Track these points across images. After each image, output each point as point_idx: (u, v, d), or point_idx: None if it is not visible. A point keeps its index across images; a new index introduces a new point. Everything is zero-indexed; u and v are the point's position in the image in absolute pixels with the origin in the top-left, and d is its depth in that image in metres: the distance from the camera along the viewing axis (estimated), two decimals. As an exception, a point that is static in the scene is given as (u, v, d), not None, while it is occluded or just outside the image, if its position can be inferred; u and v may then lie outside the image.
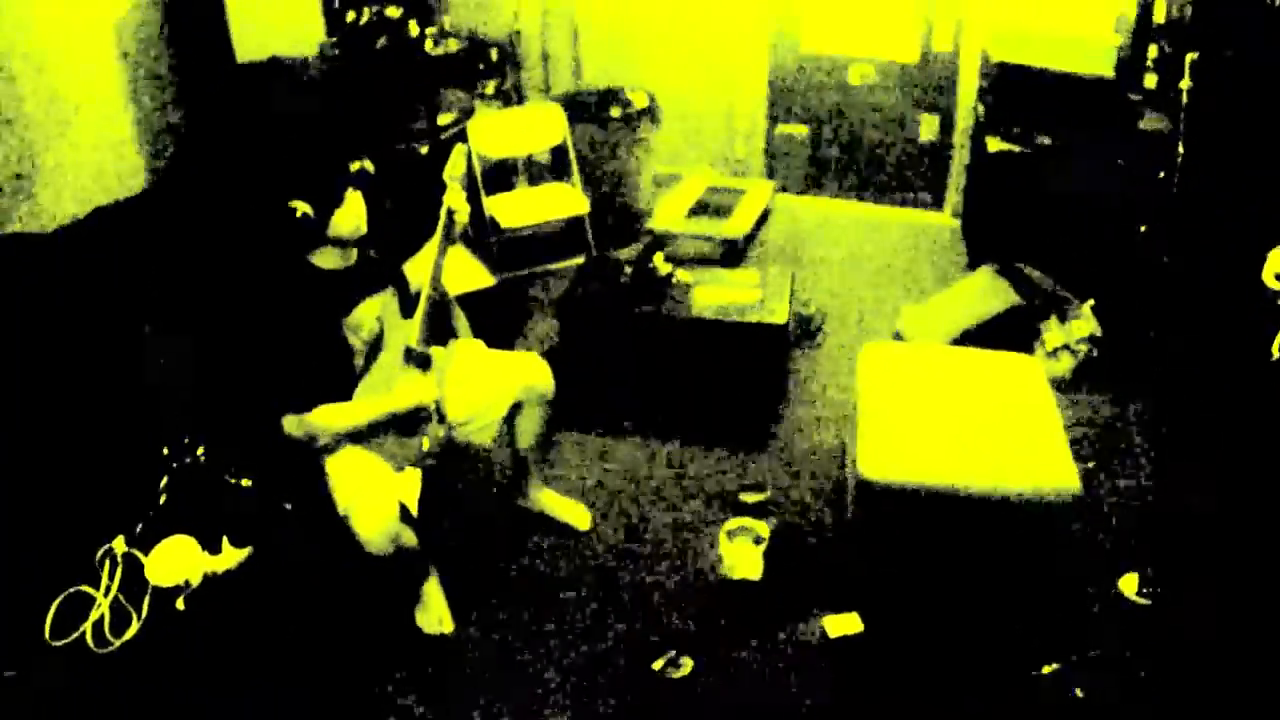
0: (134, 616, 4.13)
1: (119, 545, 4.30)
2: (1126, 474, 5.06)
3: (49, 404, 4.47)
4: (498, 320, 5.76)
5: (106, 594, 4.16)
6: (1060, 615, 4.19)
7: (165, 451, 4.67)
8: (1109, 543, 4.61)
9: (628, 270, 5.69)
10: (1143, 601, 4.25)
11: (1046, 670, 3.91)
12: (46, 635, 4.03)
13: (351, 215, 3.89)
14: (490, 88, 7.91)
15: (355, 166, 3.91)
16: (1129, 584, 4.31)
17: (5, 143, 5.02)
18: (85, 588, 4.17)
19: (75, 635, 4.04)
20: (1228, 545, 4.44)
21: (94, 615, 4.09)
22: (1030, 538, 4.06)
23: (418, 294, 4.06)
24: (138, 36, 5.82)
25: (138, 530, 4.38)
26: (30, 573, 4.18)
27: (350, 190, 3.89)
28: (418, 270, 4.19)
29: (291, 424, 3.82)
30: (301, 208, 3.75)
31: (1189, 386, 5.44)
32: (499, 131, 7.07)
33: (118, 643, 4.04)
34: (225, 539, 4.35)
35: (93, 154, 5.54)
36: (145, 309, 4.85)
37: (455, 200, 4.11)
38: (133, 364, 4.77)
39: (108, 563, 4.26)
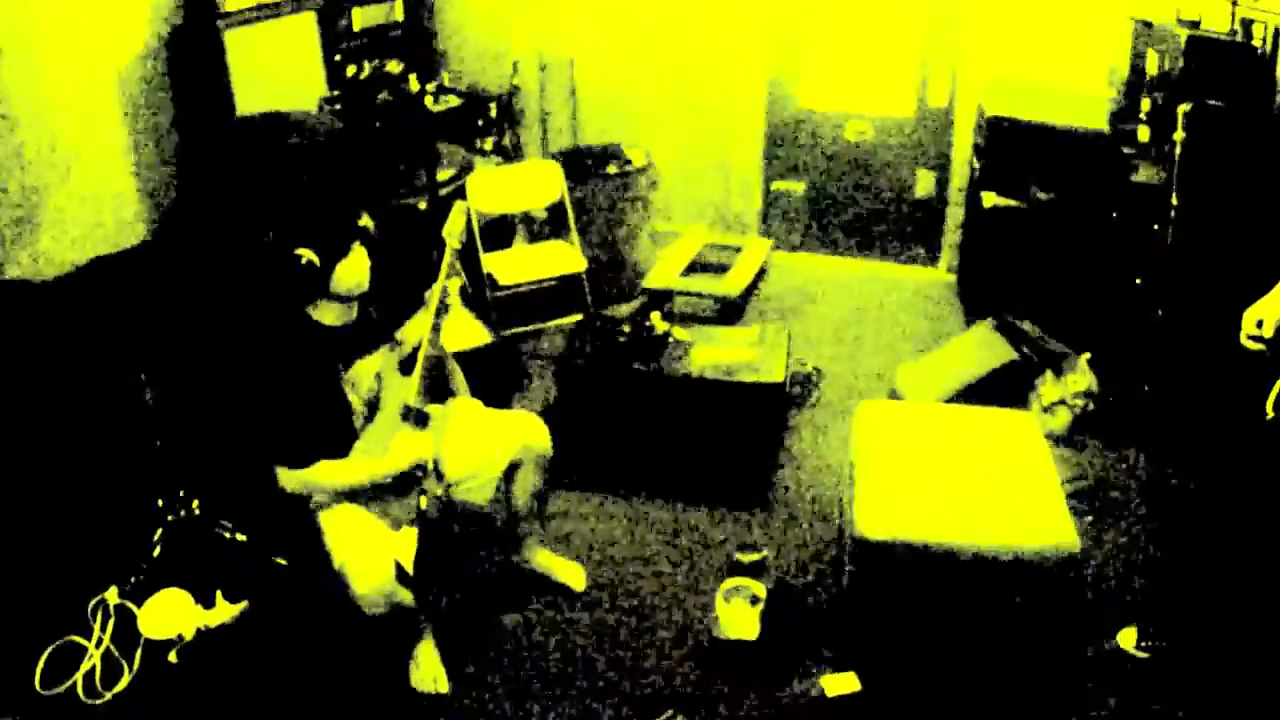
0: (125, 668, 4.11)
1: (112, 597, 4.29)
2: (1124, 528, 5.04)
3: (44, 453, 4.47)
4: (495, 378, 5.75)
5: (98, 645, 4.15)
6: (1059, 671, 4.17)
7: (160, 504, 4.66)
8: (1107, 597, 4.60)
9: (625, 329, 5.70)
10: (1142, 655, 4.23)
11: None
12: (37, 685, 4.01)
13: (355, 270, 3.91)
14: (489, 144, 7.96)
15: (360, 223, 3.93)
16: (1128, 638, 4.29)
17: (6, 188, 5.04)
18: (77, 638, 4.16)
19: (66, 686, 4.02)
20: (1227, 598, 4.42)
21: (85, 666, 4.07)
22: (1028, 595, 4.05)
23: (416, 351, 4.06)
24: (139, 88, 5.87)
25: (131, 582, 4.37)
26: (23, 622, 4.17)
27: (355, 245, 3.90)
28: (413, 333, 4.19)
29: (288, 479, 3.82)
30: (307, 255, 3.76)
31: (1186, 440, 5.45)
32: (497, 188, 7.08)
33: (109, 694, 4.01)
34: (219, 593, 4.33)
35: (93, 203, 5.57)
36: (142, 360, 4.85)
37: (450, 286, 4.12)
38: (129, 415, 4.76)
39: (100, 614, 4.24)
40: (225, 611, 4.31)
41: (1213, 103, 5.12)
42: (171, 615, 4.25)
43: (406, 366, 4.06)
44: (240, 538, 4.59)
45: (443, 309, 4.11)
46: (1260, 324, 3.71)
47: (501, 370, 6.33)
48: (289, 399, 3.80)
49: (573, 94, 8.24)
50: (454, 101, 7.75)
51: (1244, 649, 4.15)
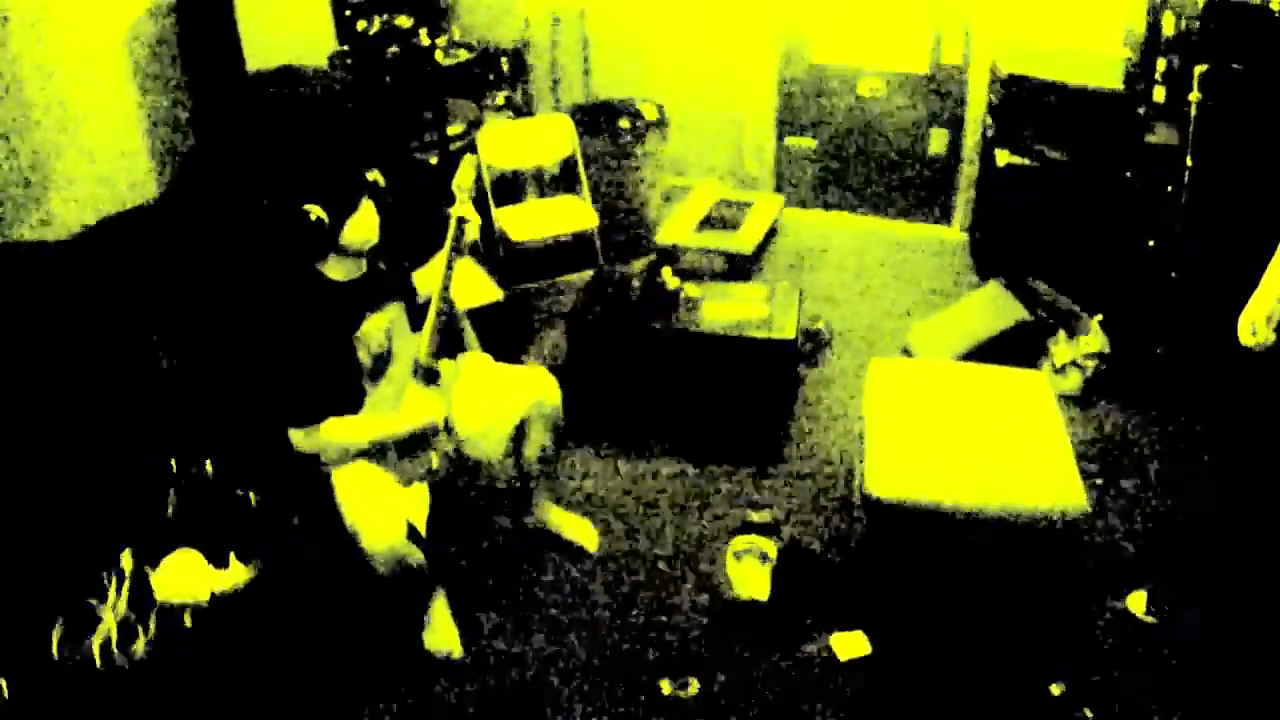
0: (141, 632, 4.12)
1: (126, 561, 4.30)
2: (1134, 490, 5.05)
3: (56, 416, 4.47)
4: (506, 334, 5.75)
5: (113, 610, 4.16)
6: (1068, 633, 4.18)
7: (173, 466, 4.66)
8: (1117, 560, 4.60)
9: (636, 285, 5.70)
10: (1151, 619, 4.24)
11: (1055, 690, 3.91)
12: (53, 650, 4.02)
13: (364, 225, 3.90)
14: (500, 98, 7.92)
15: (369, 178, 3.92)
16: (1137, 601, 4.30)
17: (15, 150, 5.03)
18: (92, 603, 4.17)
19: (82, 651, 4.03)
20: (1236, 562, 4.43)
21: (101, 631, 4.09)
22: (1038, 556, 4.06)
23: (426, 307, 4.06)
24: (148, 45, 5.83)
25: (145, 546, 4.38)
26: (37, 587, 4.18)
27: (364, 200, 3.90)
28: (427, 280, 4.20)
29: (300, 438, 3.82)
30: (316, 211, 3.75)
31: (1197, 402, 5.44)
32: (508, 143, 7.06)
33: (124, 659, 4.03)
34: (233, 555, 4.35)
35: (103, 162, 5.55)
36: (154, 320, 4.84)
37: (465, 211, 4.11)
38: (141, 376, 4.76)
39: (114, 578, 4.26)
40: (239, 573, 4.32)
41: (1230, 65, 5.09)
42: (186, 578, 4.26)
43: (417, 322, 4.07)
44: (253, 498, 4.60)
45: (455, 250, 4.11)
46: (1255, 330, 3.73)
47: (512, 326, 6.33)
48: (299, 355, 3.80)
49: (585, 48, 8.19)
50: (464, 56, 7.70)
51: (1254, 613, 4.16)
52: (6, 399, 4.34)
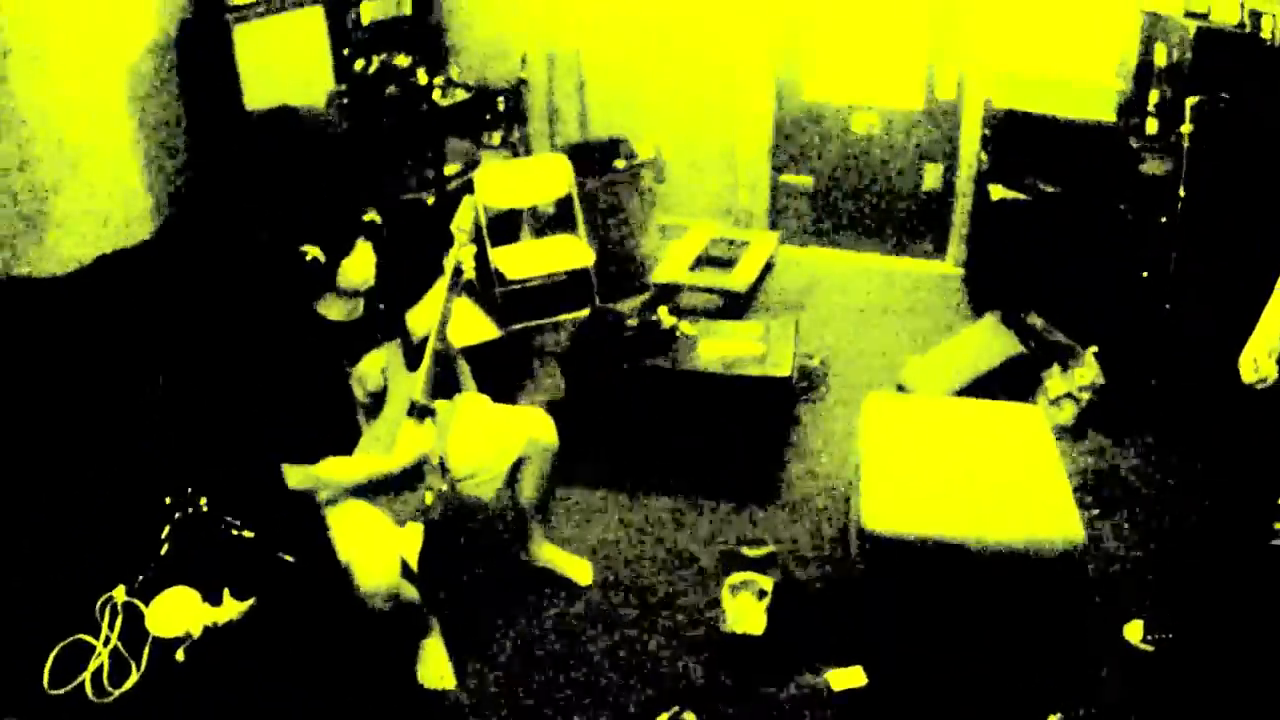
0: (133, 667, 4.12)
1: (120, 595, 4.30)
2: (1130, 521, 5.04)
3: (52, 451, 4.48)
4: (502, 372, 5.75)
5: (106, 644, 4.16)
6: (1065, 664, 4.17)
7: (168, 501, 4.67)
8: (1114, 590, 4.59)
9: (632, 323, 5.71)
10: (1148, 649, 4.23)
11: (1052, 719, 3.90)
12: (45, 684, 4.02)
13: (361, 266, 3.91)
14: (496, 138, 7.95)
15: (366, 218, 3.94)
16: (1134, 631, 4.29)
17: (15, 186, 5.05)
18: (85, 637, 4.17)
19: (74, 684, 4.03)
20: (1231, 591, 4.42)
21: (93, 665, 4.08)
22: (1035, 588, 4.05)
23: (422, 346, 4.06)
24: (147, 83, 5.87)
25: (139, 580, 4.38)
26: (31, 620, 4.18)
27: (361, 241, 3.91)
28: (420, 319, 4.20)
29: (295, 475, 3.82)
30: (313, 252, 3.77)
31: (1192, 433, 5.44)
32: (505, 182, 7.07)
33: (117, 693, 4.03)
34: (227, 590, 4.34)
35: (102, 199, 5.58)
36: (150, 356, 4.86)
37: (464, 253, 4.12)
38: (136, 412, 4.77)
39: (108, 612, 4.25)
40: (232, 609, 4.32)
41: (1221, 95, 5.11)
42: (179, 613, 4.26)
43: (413, 361, 4.07)
44: (247, 535, 4.60)
45: (456, 282, 4.11)
46: (1257, 367, 3.73)
47: (508, 365, 6.34)
48: (295, 394, 3.80)
49: (581, 87, 8.22)
50: (462, 95, 7.73)
51: (1249, 641, 4.15)
52: (3, 433, 4.35)
